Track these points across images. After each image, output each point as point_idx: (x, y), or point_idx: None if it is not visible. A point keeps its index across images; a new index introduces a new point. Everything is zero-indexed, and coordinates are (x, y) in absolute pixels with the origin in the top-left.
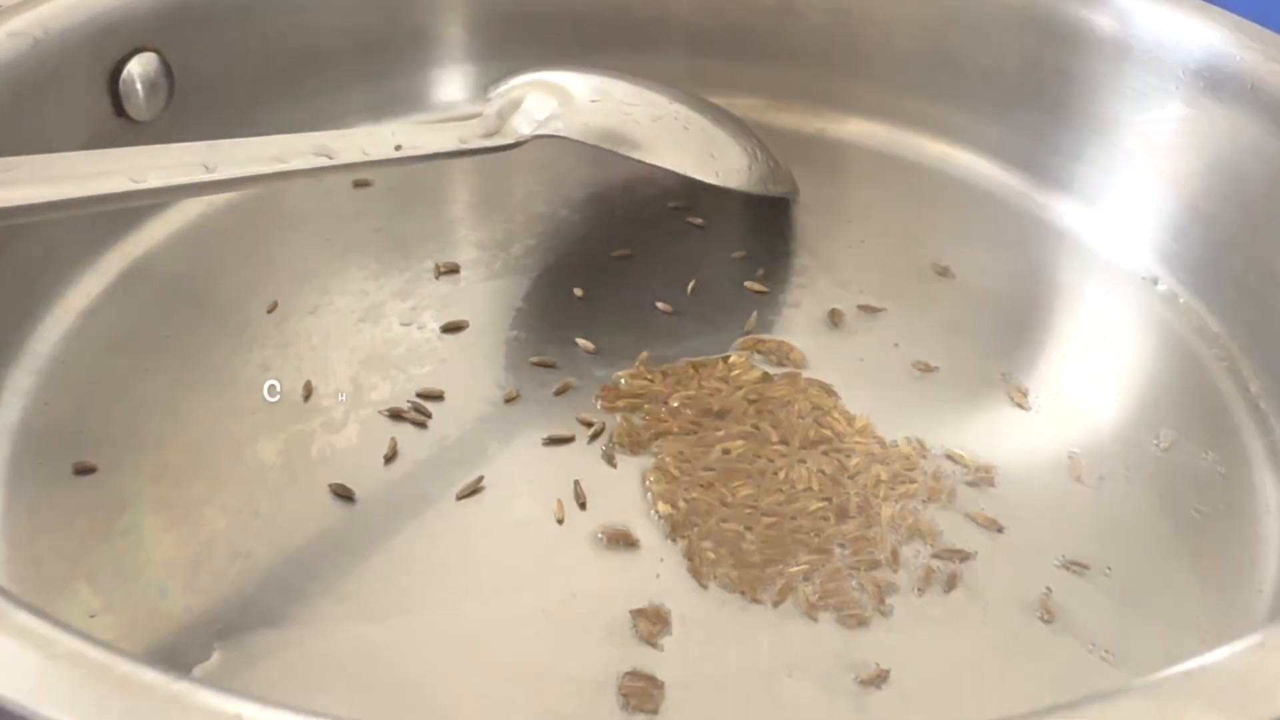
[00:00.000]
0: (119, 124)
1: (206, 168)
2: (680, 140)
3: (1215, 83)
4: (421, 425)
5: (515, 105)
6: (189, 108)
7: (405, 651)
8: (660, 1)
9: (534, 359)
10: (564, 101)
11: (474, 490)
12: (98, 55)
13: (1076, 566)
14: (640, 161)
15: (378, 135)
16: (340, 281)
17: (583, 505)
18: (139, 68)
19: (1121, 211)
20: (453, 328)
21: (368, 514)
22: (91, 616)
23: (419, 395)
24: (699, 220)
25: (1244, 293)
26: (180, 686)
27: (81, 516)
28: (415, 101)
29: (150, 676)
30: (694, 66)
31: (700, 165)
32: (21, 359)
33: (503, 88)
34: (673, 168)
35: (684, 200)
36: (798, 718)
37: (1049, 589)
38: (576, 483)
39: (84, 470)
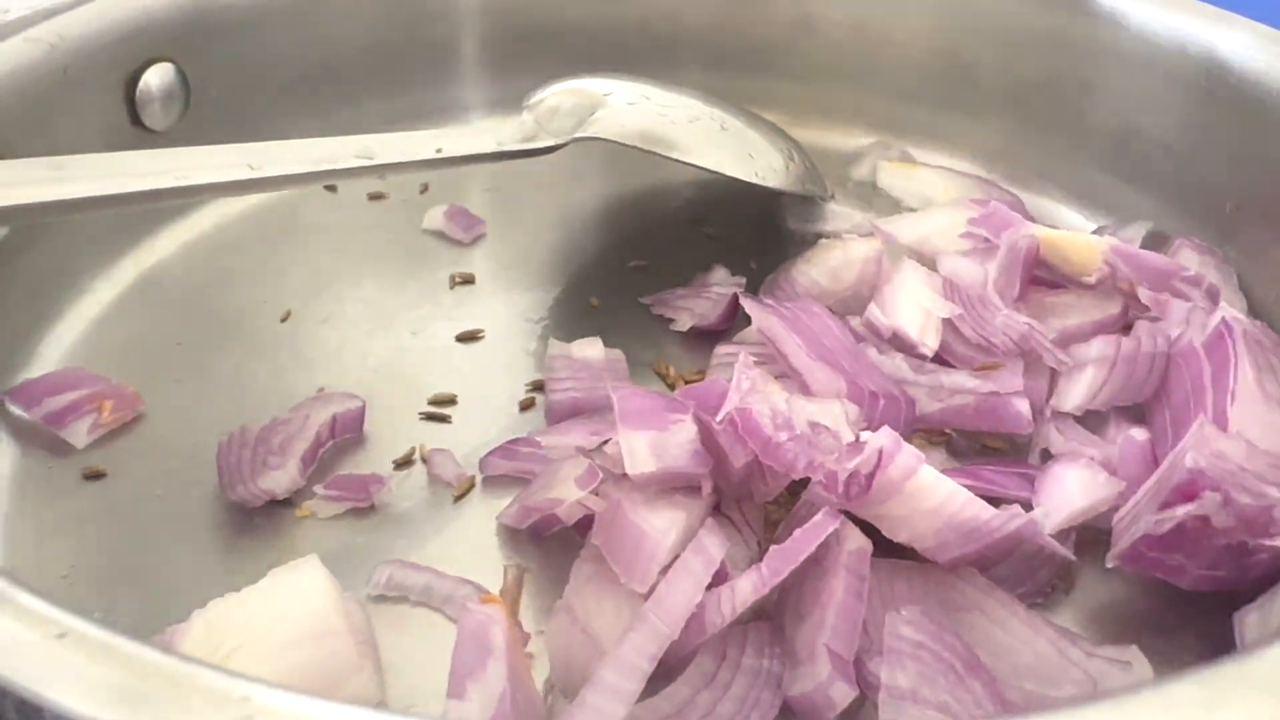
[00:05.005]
0: (135, 133)
1: (252, 167)
2: (718, 141)
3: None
4: (435, 431)
5: (554, 109)
6: (205, 118)
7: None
8: (676, 17)
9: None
10: (602, 105)
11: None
12: (114, 64)
13: None
14: (680, 162)
15: (417, 139)
16: (354, 291)
17: None
18: (156, 77)
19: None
20: (467, 337)
21: (382, 519)
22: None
23: (431, 403)
24: (712, 231)
25: None
26: (189, 668)
27: (89, 523)
28: (432, 116)
29: (156, 656)
30: (711, 82)
31: (739, 165)
32: (33, 365)
33: (541, 93)
34: (712, 168)
35: (698, 212)
36: None
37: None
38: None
39: (93, 476)
